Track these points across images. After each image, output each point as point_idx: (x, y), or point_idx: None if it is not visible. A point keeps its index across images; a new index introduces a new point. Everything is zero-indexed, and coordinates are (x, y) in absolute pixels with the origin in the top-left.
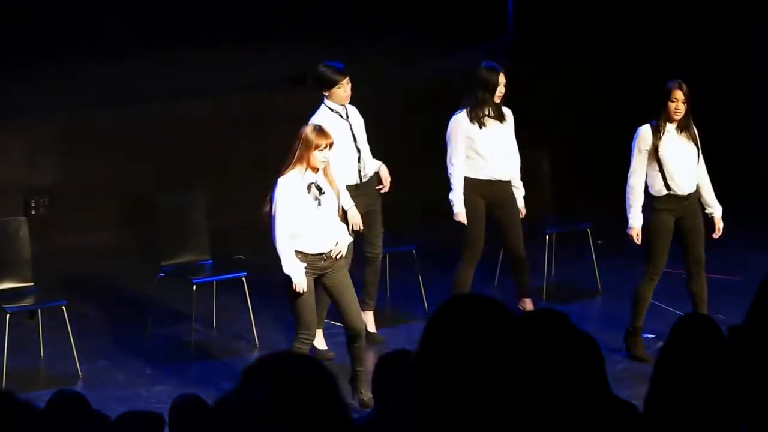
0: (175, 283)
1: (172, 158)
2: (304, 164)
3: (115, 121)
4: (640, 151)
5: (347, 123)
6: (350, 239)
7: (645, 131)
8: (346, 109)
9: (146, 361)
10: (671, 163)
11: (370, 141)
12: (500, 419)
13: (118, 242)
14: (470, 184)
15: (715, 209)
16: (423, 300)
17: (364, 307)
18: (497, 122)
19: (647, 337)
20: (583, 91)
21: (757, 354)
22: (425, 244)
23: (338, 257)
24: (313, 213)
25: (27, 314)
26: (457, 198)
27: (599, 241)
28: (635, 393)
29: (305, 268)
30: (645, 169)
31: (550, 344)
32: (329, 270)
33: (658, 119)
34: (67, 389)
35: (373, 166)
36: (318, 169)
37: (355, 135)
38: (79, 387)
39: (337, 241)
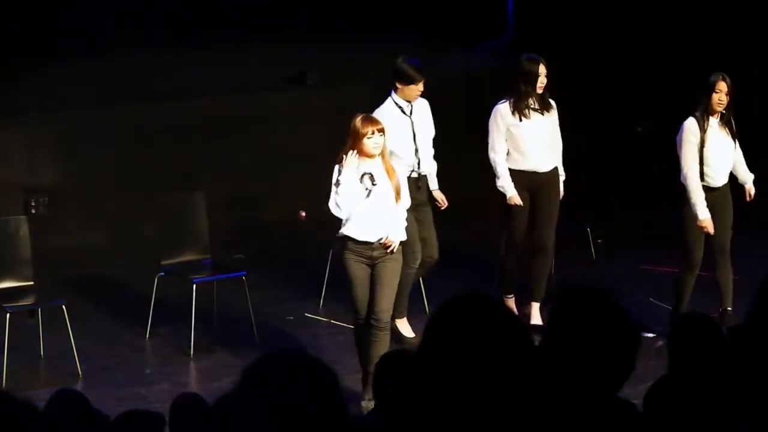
0: (175, 282)
1: (172, 157)
2: (358, 152)
3: (115, 121)
4: (690, 143)
5: (408, 119)
6: (402, 236)
7: (692, 124)
8: (411, 105)
9: (146, 361)
10: (712, 156)
11: None
12: (499, 419)
13: (118, 241)
14: (512, 176)
15: (748, 180)
16: (423, 299)
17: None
18: (539, 114)
19: (647, 337)
20: (584, 90)
21: (758, 354)
22: None
23: (389, 251)
24: (363, 202)
25: (27, 313)
26: (506, 183)
27: (599, 240)
28: (635, 392)
29: (355, 254)
30: (698, 161)
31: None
32: (379, 260)
33: (701, 112)
34: (67, 388)
35: (429, 167)
36: (373, 156)
37: (415, 131)
38: (78, 386)
39: (388, 233)
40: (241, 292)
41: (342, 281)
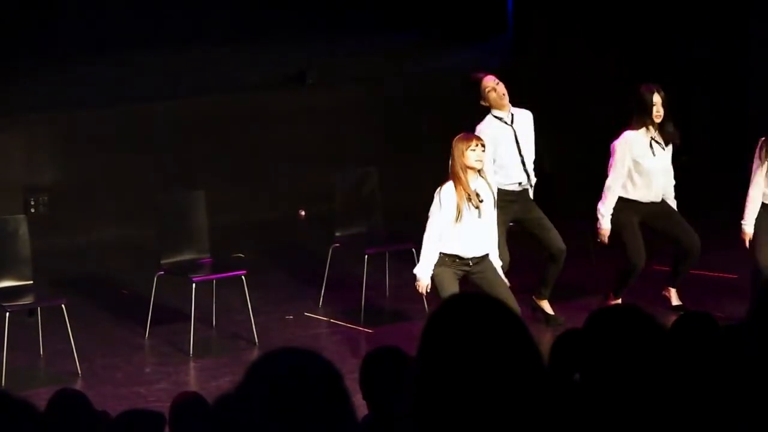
0: (174, 282)
1: (172, 156)
2: (464, 169)
3: (115, 120)
4: (762, 162)
5: (511, 129)
6: (499, 263)
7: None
8: (512, 114)
9: (146, 360)
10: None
11: (372, 136)
12: (500, 421)
13: (118, 240)
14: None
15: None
16: (423, 298)
17: (538, 295)
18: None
19: None
20: (584, 89)
21: (760, 353)
22: None
23: (483, 265)
24: (471, 220)
25: (26, 313)
26: (607, 212)
27: (598, 240)
28: None
29: (451, 267)
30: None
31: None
32: (477, 273)
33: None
34: (68, 388)
35: (533, 176)
36: (475, 170)
37: (519, 141)
38: (78, 385)
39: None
40: (240, 291)
41: (341, 280)
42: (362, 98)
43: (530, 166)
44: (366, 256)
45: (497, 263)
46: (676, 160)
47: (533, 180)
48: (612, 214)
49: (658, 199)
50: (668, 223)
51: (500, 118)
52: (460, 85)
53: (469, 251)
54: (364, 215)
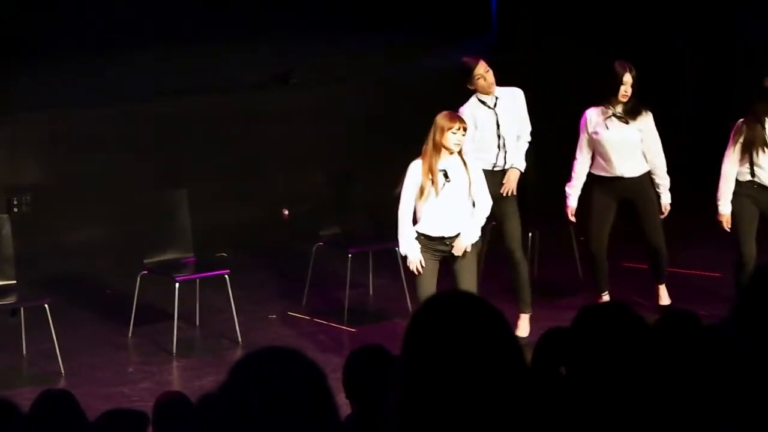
0: (158, 281)
1: (155, 156)
2: (438, 148)
3: (98, 120)
4: (735, 143)
5: (493, 112)
6: (473, 238)
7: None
8: (496, 99)
9: (129, 359)
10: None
11: (356, 135)
12: (484, 419)
13: (101, 240)
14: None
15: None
16: (406, 297)
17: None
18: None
19: None
20: (568, 86)
21: (743, 352)
22: None
23: (459, 254)
24: (436, 198)
25: (9, 312)
26: (572, 190)
27: (582, 238)
28: None
29: (428, 249)
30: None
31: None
32: (452, 255)
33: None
34: (53, 389)
35: (514, 159)
36: (452, 152)
37: (500, 123)
38: (61, 385)
39: (460, 234)
40: (223, 290)
41: (324, 279)
42: (346, 98)
43: (512, 147)
44: (349, 256)
45: (468, 239)
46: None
47: (519, 163)
48: (583, 192)
49: (627, 174)
50: (640, 212)
51: (484, 102)
52: (445, 83)
53: (435, 230)
54: (348, 214)
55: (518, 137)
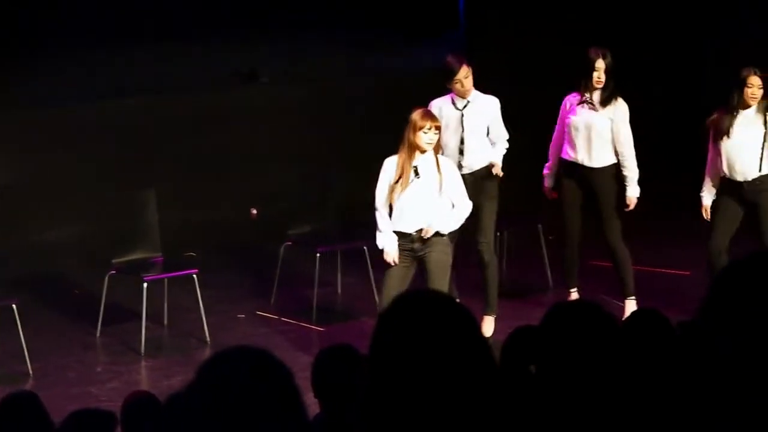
0: (125, 281)
1: (123, 155)
2: (412, 146)
3: (65, 119)
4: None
5: (460, 113)
6: (444, 227)
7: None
8: (467, 102)
9: (97, 359)
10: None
11: (324, 134)
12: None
13: (69, 240)
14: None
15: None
16: (374, 296)
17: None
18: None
19: None
20: (536, 85)
21: (710, 351)
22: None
23: (429, 242)
24: (404, 194)
25: None
26: (548, 170)
27: (550, 237)
28: None
29: (401, 250)
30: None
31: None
32: (423, 253)
33: (731, 105)
34: (17, 391)
35: (481, 162)
36: (425, 151)
37: (465, 126)
38: (29, 385)
39: (429, 223)
40: (191, 290)
41: (293, 279)
42: (315, 97)
43: (471, 153)
44: (318, 255)
45: (438, 225)
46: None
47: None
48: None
49: (587, 163)
50: (597, 206)
51: (454, 102)
52: (414, 81)
53: (403, 225)
54: (316, 214)
55: (494, 144)
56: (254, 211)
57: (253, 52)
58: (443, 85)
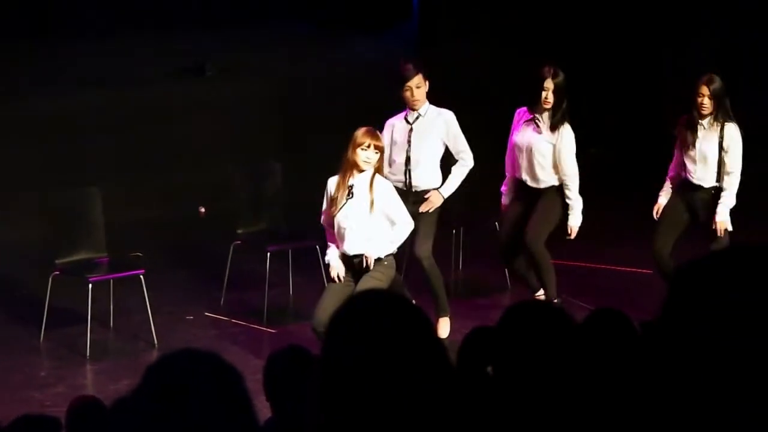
0: (70, 282)
1: (66, 152)
2: (350, 164)
3: (7, 115)
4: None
5: (408, 127)
6: (374, 251)
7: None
8: (418, 116)
9: (42, 363)
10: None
11: (273, 129)
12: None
13: (11, 240)
14: None
15: None
16: None
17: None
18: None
19: None
20: (490, 82)
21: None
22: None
23: (364, 267)
24: (339, 214)
25: None
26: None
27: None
28: None
29: (346, 268)
30: None
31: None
32: (362, 275)
33: (691, 114)
34: None
35: (428, 182)
36: (362, 170)
37: (411, 141)
38: None
39: (366, 249)
40: (138, 291)
41: (243, 279)
42: (263, 90)
43: (417, 171)
44: (268, 254)
45: (370, 251)
46: (583, 152)
47: (445, 188)
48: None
49: (530, 183)
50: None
51: (407, 117)
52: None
53: (347, 248)
54: (266, 212)
55: (457, 163)
56: (202, 209)
57: (200, 45)
58: (384, 98)
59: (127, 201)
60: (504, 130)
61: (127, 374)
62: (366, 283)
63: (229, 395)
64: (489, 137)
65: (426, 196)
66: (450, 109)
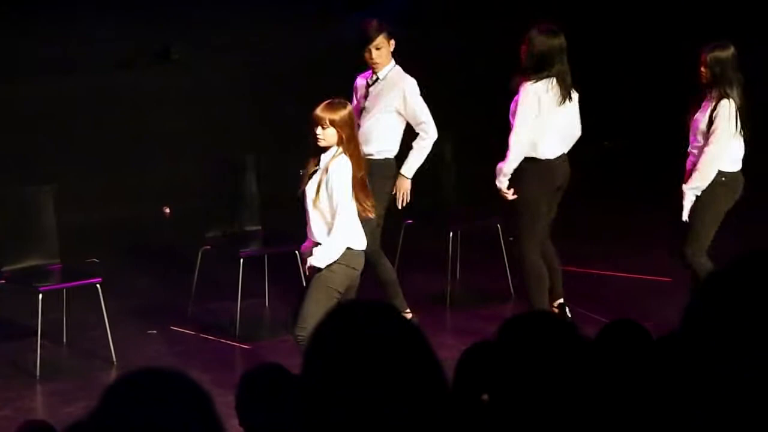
0: (18, 291)
1: (13, 146)
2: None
3: None
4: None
5: (366, 92)
6: (316, 259)
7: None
8: (377, 78)
9: None
10: None
11: (246, 118)
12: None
13: None
14: None
15: None
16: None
17: None
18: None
19: None
20: (488, 63)
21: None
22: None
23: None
24: (308, 202)
25: None
26: None
27: (510, 238)
28: None
29: None
30: None
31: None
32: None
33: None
34: None
35: (377, 150)
36: (322, 149)
37: (366, 106)
38: None
39: (312, 249)
40: (95, 301)
41: (212, 288)
42: (236, 75)
43: (366, 138)
44: (241, 260)
45: (313, 258)
46: (598, 146)
47: (406, 168)
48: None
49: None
50: None
51: (368, 79)
52: (348, 57)
53: (311, 235)
54: (240, 212)
55: (416, 138)
56: (167, 210)
57: (165, 25)
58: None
59: (82, 201)
60: (499, 110)
61: (82, 396)
62: (312, 293)
63: (197, 420)
64: (483, 122)
65: (393, 192)
66: (443, 97)
